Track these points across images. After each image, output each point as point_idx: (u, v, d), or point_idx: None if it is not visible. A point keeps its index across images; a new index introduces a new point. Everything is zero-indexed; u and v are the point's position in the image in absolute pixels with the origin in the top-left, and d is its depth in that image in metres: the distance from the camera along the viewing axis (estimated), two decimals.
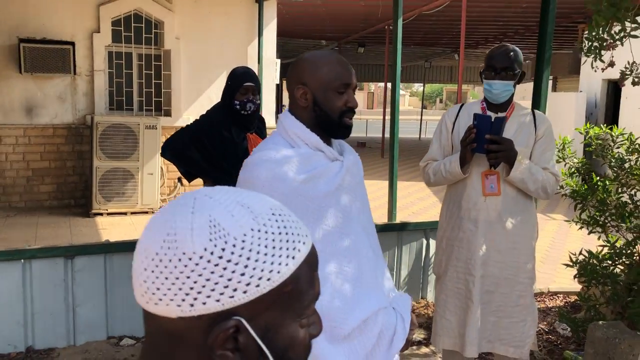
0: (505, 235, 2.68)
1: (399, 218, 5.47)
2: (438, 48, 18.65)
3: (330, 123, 1.61)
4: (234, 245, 0.65)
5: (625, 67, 2.23)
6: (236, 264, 0.64)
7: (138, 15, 8.30)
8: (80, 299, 3.49)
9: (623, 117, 9.85)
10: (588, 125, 3.80)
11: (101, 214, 7.52)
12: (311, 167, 1.58)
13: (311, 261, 0.71)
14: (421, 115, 24.89)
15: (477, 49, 17.73)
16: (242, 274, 0.64)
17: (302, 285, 0.69)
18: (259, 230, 0.66)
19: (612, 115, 10.79)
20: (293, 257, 0.68)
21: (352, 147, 1.76)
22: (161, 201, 7.99)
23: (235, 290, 0.64)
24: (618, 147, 3.77)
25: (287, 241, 0.68)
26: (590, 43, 2.09)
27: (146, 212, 7.67)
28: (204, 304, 0.64)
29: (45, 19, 7.70)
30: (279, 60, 9.74)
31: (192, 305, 0.64)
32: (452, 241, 2.80)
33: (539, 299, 4.79)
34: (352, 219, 1.64)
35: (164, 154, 3.21)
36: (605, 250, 3.44)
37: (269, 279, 0.65)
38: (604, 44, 2.03)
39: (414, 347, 3.81)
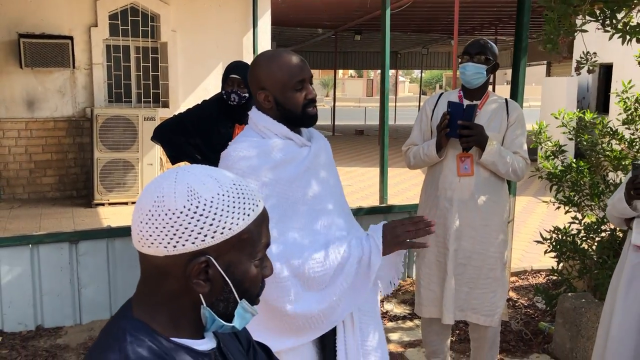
0: (478, 212, 2.90)
1: (396, 203, 5.69)
2: (435, 34, 18.76)
3: (295, 117, 1.77)
4: (204, 204, 0.91)
5: (581, 57, 2.43)
6: (206, 217, 0.90)
7: (134, 9, 8.46)
8: (85, 281, 3.73)
9: (614, 101, 10.02)
10: (563, 110, 3.99)
11: (103, 204, 7.73)
12: (282, 153, 1.76)
13: (261, 219, 0.98)
14: (419, 101, 25.02)
15: (473, 35, 17.84)
16: (211, 224, 0.90)
17: (255, 235, 0.96)
18: (222, 195, 0.93)
19: (603, 99, 10.95)
20: (248, 215, 0.94)
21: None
22: None
23: (205, 236, 0.90)
24: (591, 131, 3.97)
25: (244, 203, 0.94)
26: (546, 37, 2.28)
27: None
28: (183, 245, 0.90)
29: (44, 14, 7.87)
30: None
31: (174, 246, 0.90)
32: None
33: (522, 277, 5.01)
34: (325, 195, 1.83)
35: (153, 138, 3.45)
36: (575, 227, 3.64)
37: (230, 229, 0.92)
38: (558, 37, 2.22)
39: (400, 321, 4.04)
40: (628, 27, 2.35)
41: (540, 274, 5.03)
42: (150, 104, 8.71)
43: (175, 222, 0.90)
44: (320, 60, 24.82)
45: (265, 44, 9.25)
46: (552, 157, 3.90)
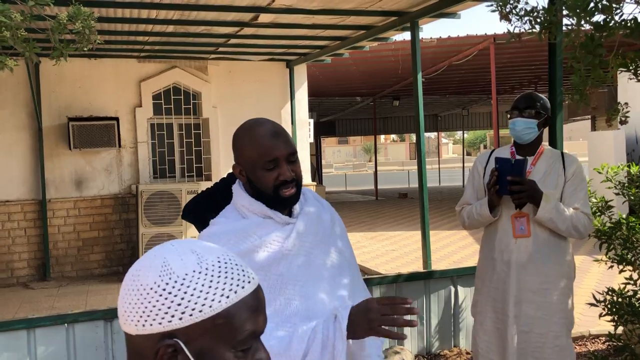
0: (538, 275, 2.73)
1: (441, 267, 5.51)
2: (474, 96, 18.79)
3: (267, 197, 1.60)
4: (175, 282, 0.83)
5: (613, 108, 2.33)
6: (175, 295, 0.82)
7: (177, 88, 8.82)
8: (120, 359, 3.67)
9: None
10: (606, 164, 3.82)
11: None
12: (256, 236, 1.58)
13: (251, 303, 0.86)
14: (463, 162, 24.80)
15: (512, 94, 17.77)
16: (179, 304, 0.82)
17: (235, 321, 0.84)
18: (199, 272, 0.84)
19: None
20: (227, 297, 0.83)
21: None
22: None
23: (173, 316, 0.82)
24: (638, 185, 3.77)
25: (225, 283, 0.84)
26: (574, 88, 2.21)
27: None
28: (151, 325, 0.83)
29: (91, 98, 8.29)
30: (311, 120, 10.09)
31: (143, 325, 0.83)
32: (487, 282, 2.89)
33: (580, 343, 4.69)
34: (307, 281, 1.60)
35: (184, 216, 3.42)
36: (630, 287, 3.40)
37: (200, 311, 0.82)
38: (585, 88, 2.14)
39: None
40: None
41: (599, 340, 4.70)
42: (194, 178, 8.91)
43: (145, 298, 0.83)
44: (360, 127, 25.12)
45: (303, 114, 9.44)
46: (599, 213, 3.71)
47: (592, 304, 3.50)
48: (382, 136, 56.27)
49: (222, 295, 0.83)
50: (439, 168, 26.56)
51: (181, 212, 7.46)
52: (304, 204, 1.70)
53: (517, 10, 2.45)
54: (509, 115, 2.87)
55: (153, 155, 8.78)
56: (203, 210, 3.29)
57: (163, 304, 0.82)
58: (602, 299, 3.49)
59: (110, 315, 3.54)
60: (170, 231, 7.96)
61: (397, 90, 15.87)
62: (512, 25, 2.50)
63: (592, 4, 2.04)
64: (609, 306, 3.38)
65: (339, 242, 1.75)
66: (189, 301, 0.82)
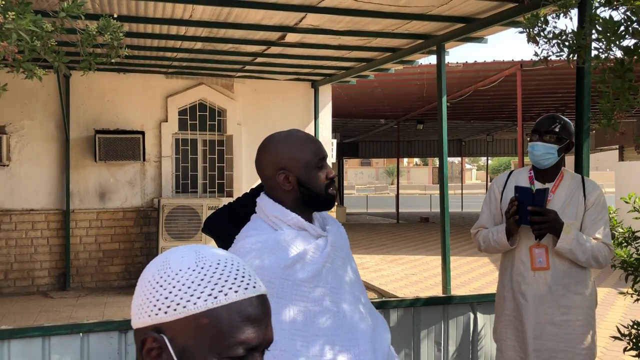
0: (558, 307, 2.65)
1: (461, 293, 5.42)
2: (499, 122, 18.66)
3: (318, 198, 1.64)
4: (168, 276, 0.84)
5: (634, 134, 2.28)
6: (165, 289, 0.83)
7: (202, 105, 8.92)
8: None
9: None
10: (633, 194, 3.73)
11: None
12: (296, 249, 1.58)
13: (246, 310, 0.82)
14: (486, 188, 24.55)
15: None
16: (166, 298, 0.82)
17: (222, 324, 0.81)
18: (193, 270, 0.84)
19: None
20: (215, 297, 0.81)
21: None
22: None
23: (159, 309, 0.82)
24: None
25: (216, 284, 0.82)
26: (603, 113, 2.16)
27: None
28: (143, 317, 0.84)
29: (119, 111, 8.42)
30: (334, 141, 10.10)
31: (139, 317, 0.85)
32: (506, 310, 2.82)
33: None
34: (342, 293, 1.64)
35: (204, 230, 3.41)
36: None
37: (184, 307, 0.81)
38: (613, 113, 2.10)
39: None
40: None
41: None
42: (215, 193, 8.95)
43: (142, 291, 0.85)
44: (383, 149, 25.09)
45: (326, 134, 9.45)
46: (625, 244, 3.61)
47: (616, 338, 3.39)
48: (405, 159, 56.09)
49: (209, 295, 0.81)
50: (462, 193, 26.34)
51: (202, 226, 7.48)
52: (324, 221, 1.74)
53: (545, 32, 2.42)
54: (529, 138, 2.78)
55: (176, 170, 8.85)
56: (223, 224, 3.29)
57: (154, 296, 0.83)
58: (626, 332, 3.38)
59: (124, 326, 3.53)
60: None
61: (422, 113, 15.85)
62: (539, 48, 2.46)
63: (622, 28, 2.01)
64: (634, 340, 3.27)
65: (353, 261, 1.78)
66: (175, 295, 0.82)
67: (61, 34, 2.77)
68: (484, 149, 25.43)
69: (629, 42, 2.07)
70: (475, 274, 9.54)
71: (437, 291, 7.52)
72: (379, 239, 14.49)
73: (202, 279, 0.83)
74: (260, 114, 9.10)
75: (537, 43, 2.47)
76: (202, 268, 0.84)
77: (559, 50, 2.38)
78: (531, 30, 2.46)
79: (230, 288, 0.83)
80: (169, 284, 0.83)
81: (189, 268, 0.84)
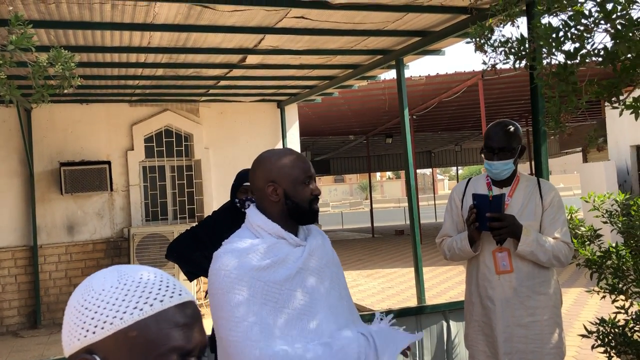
0: (524, 309, 2.69)
1: (436, 302, 5.43)
2: (465, 132, 18.95)
3: (302, 211, 1.79)
4: (92, 297, 0.85)
5: (589, 135, 2.34)
6: (89, 310, 0.84)
7: (168, 131, 8.87)
8: None
9: None
10: (593, 193, 3.82)
11: None
12: (272, 254, 1.72)
13: (174, 318, 0.85)
14: None
15: None
16: (92, 318, 0.83)
17: (152, 334, 0.83)
18: (116, 287, 0.85)
19: None
20: (141, 309, 0.83)
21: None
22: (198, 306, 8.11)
23: (87, 330, 0.83)
24: (627, 213, 3.76)
25: (140, 297, 0.84)
26: (549, 116, 2.22)
27: None
28: (72, 343, 0.84)
29: (83, 142, 8.32)
30: None
31: (69, 345, 0.84)
32: (475, 316, 2.85)
33: None
34: (317, 299, 1.76)
35: (167, 256, 3.38)
36: (622, 317, 3.35)
37: (111, 323, 0.82)
38: (559, 115, 2.15)
39: None
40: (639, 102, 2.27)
41: None
42: (186, 219, 8.86)
43: (70, 318, 0.85)
44: (355, 165, 25.22)
45: None
46: (588, 242, 3.69)
47: (584, 336, 3.44)
48: (378, 174, 56.45)
49: (135, 307, 0.83)
50: (435, 204, 26.56)
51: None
52: (308, 233, 1.88)
53: (491, 42, 2.49)
54: (482, 155, 2.79)
55: (145, 198, 8.76)
56: (186, 248, 3.27)
57: (80, 320, 0.84)
58: (594, 329, 3.44)
59: None
60: None
61: (390, 127, 16.01)
62: (487, 56, 2.52)
63: (561, 33, 2.07)
64: (600, 337, 3.33)
65: (339, 270, 1.94)
66: (101, 314, 0.83)
67: (11, 68, 2.74)
68: (453, 159, 25.75)
69: (569, 46, 2.14)
70: (451, 283, 9.60)
71: (414, 303, 7.54)
72: (355, 254, 14.49)
73: (125, 294, 0.84)
74: (227, 136, 9.09)
75: (484, 52, 2.53)
76: (124, 284, 0.85)
77: (505, 58, 2.44)
78: (478, 39, 2.53)
79: (155, 298, 0.85)
80: (94, 304, 0.84)
81: (111, 286, 0.85)
